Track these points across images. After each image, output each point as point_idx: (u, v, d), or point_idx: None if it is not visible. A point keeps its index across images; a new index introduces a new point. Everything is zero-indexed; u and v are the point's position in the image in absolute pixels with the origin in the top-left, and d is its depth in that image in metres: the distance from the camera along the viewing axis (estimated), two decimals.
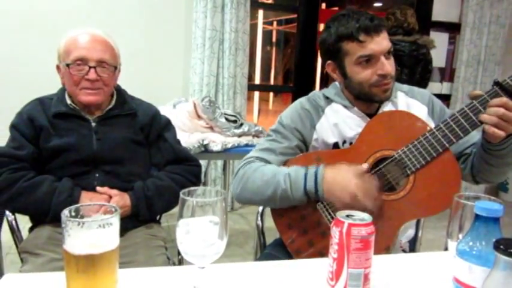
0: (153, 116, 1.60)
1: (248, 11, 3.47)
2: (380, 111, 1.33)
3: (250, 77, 3.88)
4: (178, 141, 1.66)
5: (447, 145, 1.17)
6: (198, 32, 3.33)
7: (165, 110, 1.98)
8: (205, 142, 2.22)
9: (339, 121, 1.32)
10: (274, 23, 10.31)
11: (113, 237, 0.56)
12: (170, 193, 1.51)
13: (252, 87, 4.11)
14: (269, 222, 1.46)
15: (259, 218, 1.56)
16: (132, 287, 0.76)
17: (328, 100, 1.36)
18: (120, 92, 1.58)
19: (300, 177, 1.18)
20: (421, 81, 3.36)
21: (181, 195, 0.69)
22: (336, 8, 7.31)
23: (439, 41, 3.90)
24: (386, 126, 1.25)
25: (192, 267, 0.72)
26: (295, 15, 4.07)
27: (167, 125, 1.64)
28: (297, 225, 1.28)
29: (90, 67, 1.41)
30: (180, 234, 0.69)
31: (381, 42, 1.23)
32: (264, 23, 8.94)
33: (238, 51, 3.47)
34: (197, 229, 0.69)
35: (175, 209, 0.71)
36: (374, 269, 0.74)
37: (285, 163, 1.32)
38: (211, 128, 2.39)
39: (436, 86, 4.35)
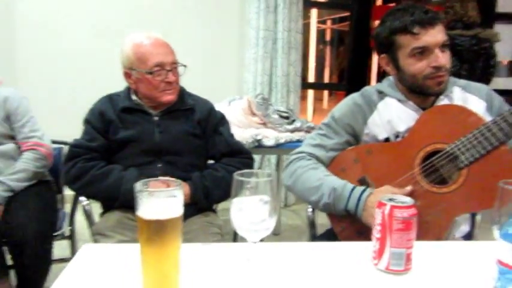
0: (209, 111, 1.70)
1: (301, 10, 3.52)
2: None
3: (304, 76, 3.92)
4: (232, 135, 1.75)
5: (503, 139, 1.15)
6: (251, 32, 3.43)
7: (220, 107, 2.08)
8: (258, 137, 2.31)
9: (392, 117, 1.33)
10: (328, 22, 10.24)
11: (177, 207, 0.65)
12: (225, 183, 1.60)
13: (305, 86, 4.15)
14: (321, 219, 1.52)
15: (310, 210, 1.61)
16: (192, 260, 0.84)
17: (382, 95, 1.38)
18: (180, 89, 1.70)
19: (343, 196, 1.24)
20: (482, 77, 3.22)
21: (235, 176, 0.77)
22: (392, 4, 7.15)
23: (506, 33, 3.69)
24: (439, 120, 1.25)
25: (245, 244, 0.79)
26: (349, 13, 4.06)
27: (222, 119, 1.74)
28: (349, 214, 1.32)
29: (167, 71, 1.54)
30: (234, 211, 0.77)
31: (436, 35, 1.24)
32: (318, 21, 8.91)
33: (291, 50, 3.52)
34: (249, 207, 0.76)
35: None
36: (420, 252, 0.77)
37: (335, 157, 1.36)
38: (264, 124, 2.47)
39: (503, 82, 4.12)
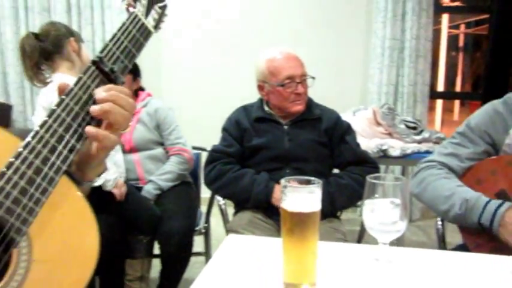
0: (336, 120, 1.76)
1: (431, 17, 3.37)
2: None
3: (433, 85, 3.72)
4: (358, 144, 1.78)
5: None
6: (377, 42, 3.39)
7: (345, 117, 2.11)
8: (384, 147, 2.28)
9: None
10: (462, 26, 9.48)
11: (316, 202, 0.73)
12: (350, 191, 1.64)
13: (434, 95, 3.93)
14: (451, 237, 1.45)
15: (439, 223, 1.55)
16: (323, 258, 0.91)
17: None
18: (307, 99, 1.80)
19: (476, 208, 1.17)
20: None
21: (367, 178, 0.81)
22: None
23: None
24: None
25: (374, 246, 0.83)
26: (487, 16, 3.75)
27: (348, 129, 1.79)
28: (482, 229, 1.25)
29: (297, 83, 1.66)
30: (366, 212, 0.82)
31: None
32: (450, 27, 8.32)
33: (419, 58, 3.39)
34: (380, 208, 0.80)
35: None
36: None
37: (469, 168, 1.30)
38: (390, 134, 2.43)
39: None
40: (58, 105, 0.61)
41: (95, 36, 3.42)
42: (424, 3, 3.30)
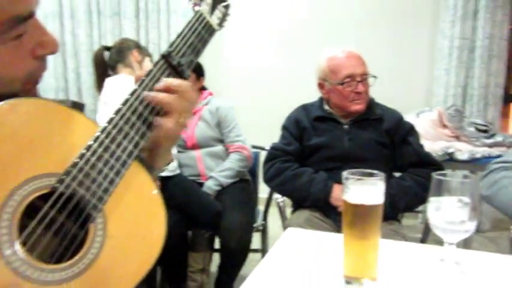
0: (398, 121, 1.71)
1: (507, 14, 3.16)
2: None
3: (507, 88, 3.48)
4: (421, 146, 1.72)
5: None
6: (444, 42, 3.24)
7: (408, 119, 2.05)
8: (450, 150, 2.18)
9: None
10: None
11: (379, 195, 0.72)
12: (413, 194, 1.58)
13: (509, 98, 3.67)
14: None
15: None
16: (385, 256, 0.89)
17: None
18: (369, 99, 1.76)
19: None
20: None
21: (433, 175, 0.78)
22: None
23: None
24: None
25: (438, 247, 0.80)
26: None
27: (411, 130, 1.73)
28: None
29: (357, 81, 1.64)
30: (431, 210, 0.79)
31: None
32: None
33: (492, 59, 3.19)
34: (447, 207, 0.77)
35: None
36: None
37: None
38: (456, 137, 2.31)
39: None
40: (131, 94, 0.66)
41: (161, 39, 3.57)
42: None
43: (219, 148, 2.18)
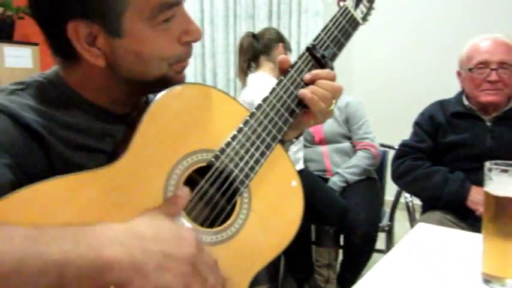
0: None
1: None
2: None
3: None
4: None
5: None
6: None
7: None
8: None
9: None
10: None
11: None
12: None
13: None
14: None
15: None
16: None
17: None
18: None
19: None
20: None
21: None
22: None
23: None
24: None
25: None
26: None
27: None
28: None
29: (491, 69, 1.51)
30: None
31: None
32: None
33: None
34: None
35: None
36: None
37: None
38: None
39: None
40: (277, 84, 0.73)
41: (291, 39, 3.68)
42: None
43: (346, 145, 2.18)
